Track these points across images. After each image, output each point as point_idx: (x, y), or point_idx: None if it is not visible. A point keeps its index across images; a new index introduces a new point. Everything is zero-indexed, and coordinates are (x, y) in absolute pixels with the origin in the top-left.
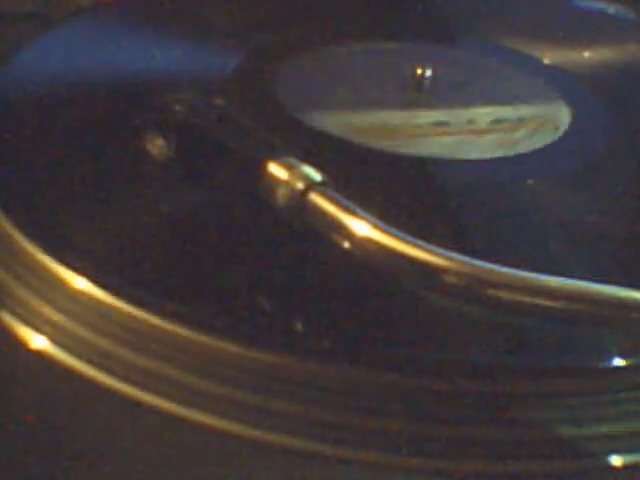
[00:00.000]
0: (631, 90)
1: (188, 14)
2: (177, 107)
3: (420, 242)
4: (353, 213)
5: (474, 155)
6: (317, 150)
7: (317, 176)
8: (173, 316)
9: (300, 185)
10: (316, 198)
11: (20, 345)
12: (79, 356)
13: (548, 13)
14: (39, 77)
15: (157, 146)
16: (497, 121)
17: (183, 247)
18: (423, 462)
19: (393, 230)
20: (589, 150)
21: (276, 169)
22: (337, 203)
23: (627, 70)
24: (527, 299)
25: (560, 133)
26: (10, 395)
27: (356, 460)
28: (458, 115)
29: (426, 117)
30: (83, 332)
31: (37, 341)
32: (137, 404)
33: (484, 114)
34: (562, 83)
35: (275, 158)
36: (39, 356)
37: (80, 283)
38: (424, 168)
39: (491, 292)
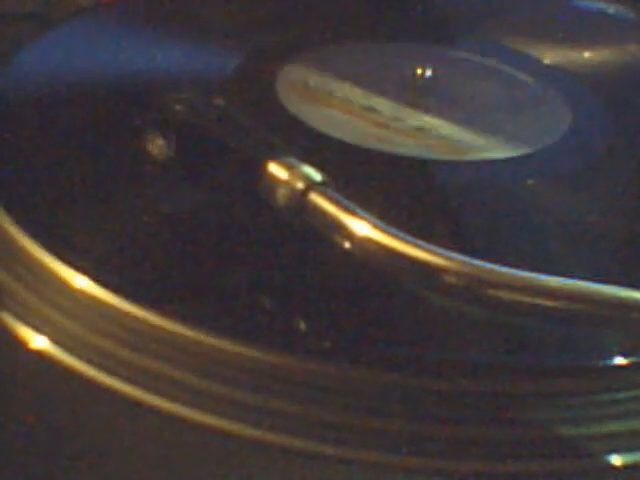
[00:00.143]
0: (631, 90)
1: (188, 14)
2: (177, 107)
3: (420, 242)
4: (353, 213)
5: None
6: (317, 150)
7: (317, 176)
8: (173, 316)
9: (300, 185)
10: (316, 198)
11: (20, 345)
12: (79, 356)
13: (548, 13)
14: (39, 77)
15: (157, 146)
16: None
17: (183, 247)
18: (423, 462)
19: (393, 230)
20: (589, 150)
21: (276, 169)
22: (337, 203)
23: (627, 70)
24: (527, 299)
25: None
26: (10, 395)
27: (356, 460)
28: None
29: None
30: (83, 332)
31: (37, 341)
32: (137, 404)
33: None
34: (562, 83)
35: (275, 158)
36: (39, 356)
37: (80, 283)
38: (424, 168)
39: (491, 292)
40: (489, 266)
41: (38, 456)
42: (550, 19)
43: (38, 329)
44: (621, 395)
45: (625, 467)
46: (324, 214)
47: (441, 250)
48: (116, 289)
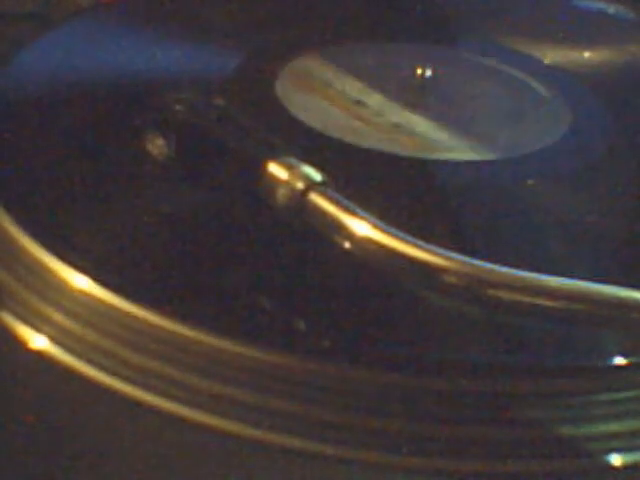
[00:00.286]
0: (631, 90)
1: (188, 14)
2: (177, 107)
3: (420, 242)
4: (353, 213)
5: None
6: (317, 150)
7: (317, 176)
8: (173, 315)
9: (300, 185)
10: (316, 198)
11: (20, 345)
12: (79, 356)
13: (548, 13)
14: (39, 77)
15: (157, 146)
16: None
17: (183, 247)
18: (423, 462)
19: (393, 230)
20: (589, 150)
21: (276, 169)
22: (337, 203)
23: (627, 70)
24: (527, 299)
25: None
26: (10, 395)
27: (356, 460)
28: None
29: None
30: (83, 332)
31: (37, 341)
32: (137, 404)
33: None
34: (562, 83)
35: (275, 158)
36: (39, 356)
37: (81, 282)
38: (424, 168)
39: (491, 292)
40: (489, 266)
41: (38, 456)
42: (550, 19)
43: (38, 329)
44: (621, 395)
45: (625, 467)
46: (324, 214)
47: (441, 250)
48: (116, 289)
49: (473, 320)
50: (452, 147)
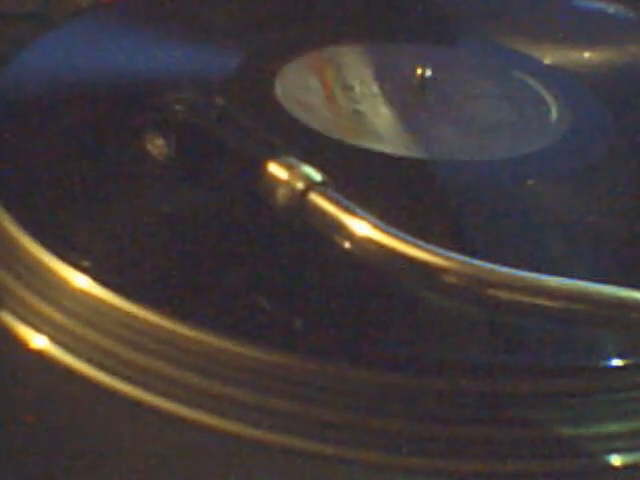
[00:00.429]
0: (631, 90)
1: (188, 14)
2: (177, 107)
3: (420, 242)
4: (353, 213)
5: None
6: (317, 150)
7: (317, 176)
8: (174, 315)
9: (300, 185)
10: (316, 198)
11: (20, 345)
12: (79, 356)
13: (548, 13)
14: (39, 77)
15: (157, 146)
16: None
17: (183, 246)
18: (423, 462)
19: (393, 230)
20: (589, 150)
21: (276, 169)
22: (337, 203)
23: (627, 70)
24: (527, 299)
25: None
26: (10, 395)
27: (356, 460)
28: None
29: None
30: (83, 331)
31: (37, 341)
32: (137, 404)
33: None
34: (562, 83)
35: (275, 158)
36: (39, 356)
37: (81, 282)
38: (424, 168)
39: (491, 292)
40: (489, 266)
41: (38, 456)
42: (550, 19)
43: (38, 329)
44: (621, 395)
45: (625, 467)
46: (324, 214)
47: (441, 250)
48: (116, 289)
49: (473, 320)
50: (383, 139)
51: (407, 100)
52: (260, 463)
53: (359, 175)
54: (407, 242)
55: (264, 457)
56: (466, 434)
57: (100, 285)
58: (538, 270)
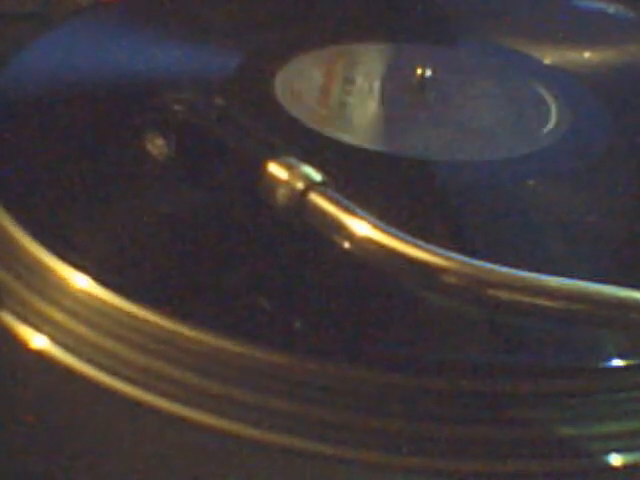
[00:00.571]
0: (631, 90)
1: (188, 14)
2: (177, 107)
3: (420, 242)
4: (353, 213)
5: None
6: (317, 150)
7: (317, 176)
8: (174, 315)
9: (300, 185)
10: (316, 198)
11: (20, 345)
12: (79, 356)
13: (548, 13)
14: (39, 77)
15: (157, 146)
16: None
17: (183, 247)
18: (423, 462)
19: (393, 230)
20: (589, 150)
21: (276, 169)
22: (337, 203)
23: (627, 70)
24: (527, 299)
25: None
26: (10, 395)
27: (356, 460)
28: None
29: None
30: (83, 331)
31: (37, 341)
32: (137, 404)
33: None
34: (562, 83)
35: (275, 158)
36: (39, 356)
37: (81, 282)
38: (424, 168)
39: (491, 292)
40: (489, 266)
41: (38, 456)
42: (550, 19)
43: (38, 329)
44: (621, 395)
45: (625, 467)
46: (324, 214)
47: (441, 250)
48: (116, 289)
49: (473, 320)
50: (346, 131)
51: (406, 100)
52: (260, 463)
53: (359, 175)
54: (407, 242)
55: (264, 457)
56: (466, 434)
57: (100, 285)
58: (538, 270)
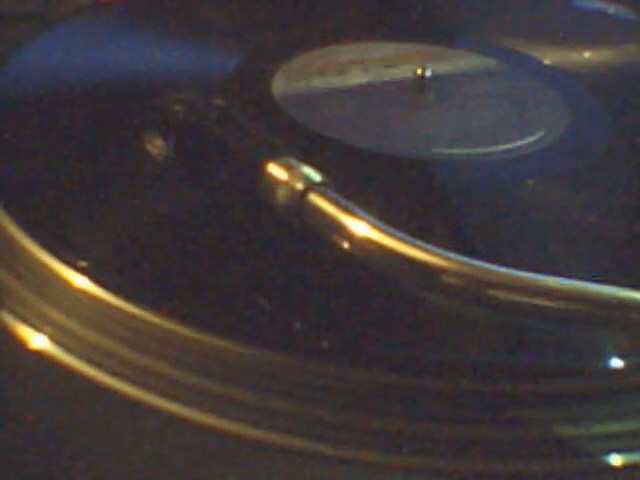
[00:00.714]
0: (631, 90)
1: (188, 14)
2: (177, 107)
3: (419, 242)
4: (352, 213)
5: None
6: (317, 150)
7: (317, 177)
8: (173, 315)
9: (300, 186)
10: (316, 199)
11: (20, 345)
12: (79, 356)
13: (548, 13)
14: (39, 77)
15: (157, 146)
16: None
17: (183, 247)
18: (423, 462)
19: (392, 230)
20: (589, 150)
21: (276, 169)
22: (337, 203)
23: (627, 70)
24: (526, 299)
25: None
26: (10, 395)
27: (356, 460)
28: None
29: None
30: (83, 331)
31: (37, 341)
32: (137, 404)
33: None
34: (562, 83)
35: (275, 158)
36: (39, 356)
37: (81, 282)
38: (424, 168)
39: (490, 292)
40: (488, 266)
41: (38, 456)
42: (550, 19)
43: (38, 329)
44: (621, 395)
45: (625, 467)
46: (323, 214)
47: (440, 250)
48: (116, 289)
49: (473, 320)
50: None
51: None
52: (260, 463)
53: (359, 175)
54: (406, 242)
55: (264, 457)
56: (466, 434)
57: (100, 285)
58: (538, 270)
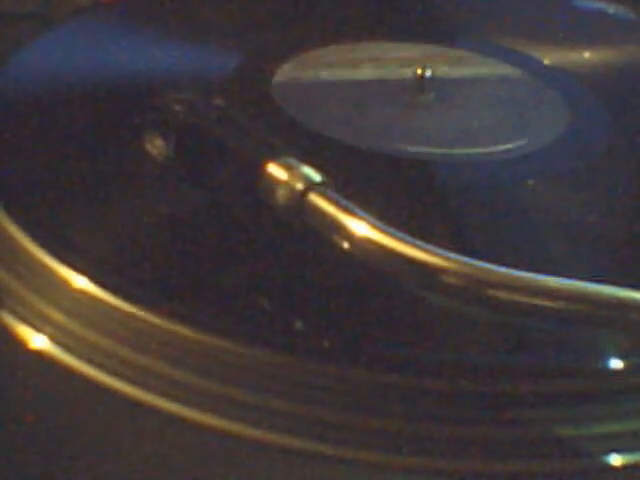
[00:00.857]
0: (631, 90)
1: (188, 14)
2: (177, 107)
3: (419, 242)
4: (352, 213)
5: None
6: (317, 150)
7: (317, 177)
8: (173, 316)
9: (300, 186)
10: (316, 199)
11: (20, 345)
12: (79, 356)
13: (548, 13)
14: (39, 77)
15: (157, 146)
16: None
17: (183, 247)
18: (423, 462)
19: (392, 230)
20: (589, 150)
21: (276, 169)
22: (336, 203)
23: (627, 70)
24: (526, 299)
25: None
26: (10, 395)
27: (356, 460)
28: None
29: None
30: (83, 332)
31: (37, 341)
32: (137, 404)
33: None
34: (562, 83)
35: (275, 158)
36: (39, 356)
37: (80, 282)
38: (424, 168)
39: (490, 292)
40: (488, 266)
41: (38, 456)
42: (550, 19)
43: (38, 329)
44: (621, 395)
45: (625, 467)
46: (323, 214)
47: (440, 250)
48: (116, 289)
49: (473, 320)
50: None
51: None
52: (260, 463)
53: (359, 175)
54: (406, 242)
55: (264, 457)
56: (466, 434)
57: (100, 286)
58: (538, 270)
